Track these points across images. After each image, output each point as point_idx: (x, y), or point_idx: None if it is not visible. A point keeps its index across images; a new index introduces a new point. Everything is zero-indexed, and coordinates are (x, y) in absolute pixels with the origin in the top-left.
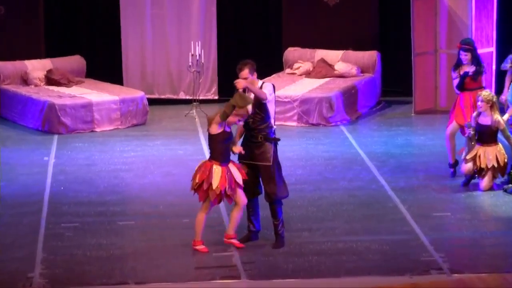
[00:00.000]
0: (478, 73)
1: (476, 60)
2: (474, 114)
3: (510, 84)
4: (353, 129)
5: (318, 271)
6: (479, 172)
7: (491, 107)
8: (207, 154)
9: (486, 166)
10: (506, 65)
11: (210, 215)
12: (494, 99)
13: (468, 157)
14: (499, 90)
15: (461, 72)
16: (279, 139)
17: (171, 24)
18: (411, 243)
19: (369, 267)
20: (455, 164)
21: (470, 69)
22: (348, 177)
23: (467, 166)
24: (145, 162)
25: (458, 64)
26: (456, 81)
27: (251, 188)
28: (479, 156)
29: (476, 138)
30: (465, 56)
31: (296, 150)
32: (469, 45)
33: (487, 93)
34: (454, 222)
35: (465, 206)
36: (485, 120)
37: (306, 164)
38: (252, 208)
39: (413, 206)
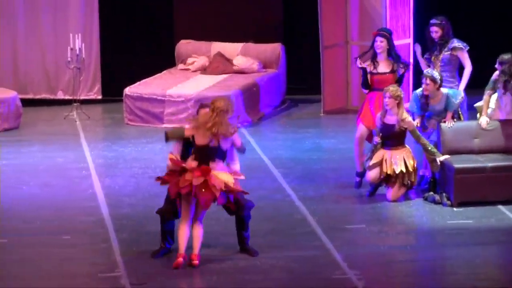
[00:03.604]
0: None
1: (395, 54)
2: (380, 113)
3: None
4: (255, 132)
5: None
6: (386, 179)
7: (398, 104)
8: (90, 161)
9: (394, 172)
10: None
11: (95, 230)
12: (402, 95)
13: (372, 163)
14: (417, 86)
15: (363, 65)
16: None
17: (46, 12)
18: (322, 259)
19: (274, 287)
20: (362, 174)
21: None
22: (250, 186)
23: (372, 174)
24: (19, 172)
25: (374, 55)
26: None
27: None
28: (385, 161)
29: (380, 141)
30: (381, 43)
31: None
32: (386, 32)
33: (394, 88)
34: (369, 235)
35: (381, 217)
36: (391, 120)
37: None
38: None
39: (323, 218)
